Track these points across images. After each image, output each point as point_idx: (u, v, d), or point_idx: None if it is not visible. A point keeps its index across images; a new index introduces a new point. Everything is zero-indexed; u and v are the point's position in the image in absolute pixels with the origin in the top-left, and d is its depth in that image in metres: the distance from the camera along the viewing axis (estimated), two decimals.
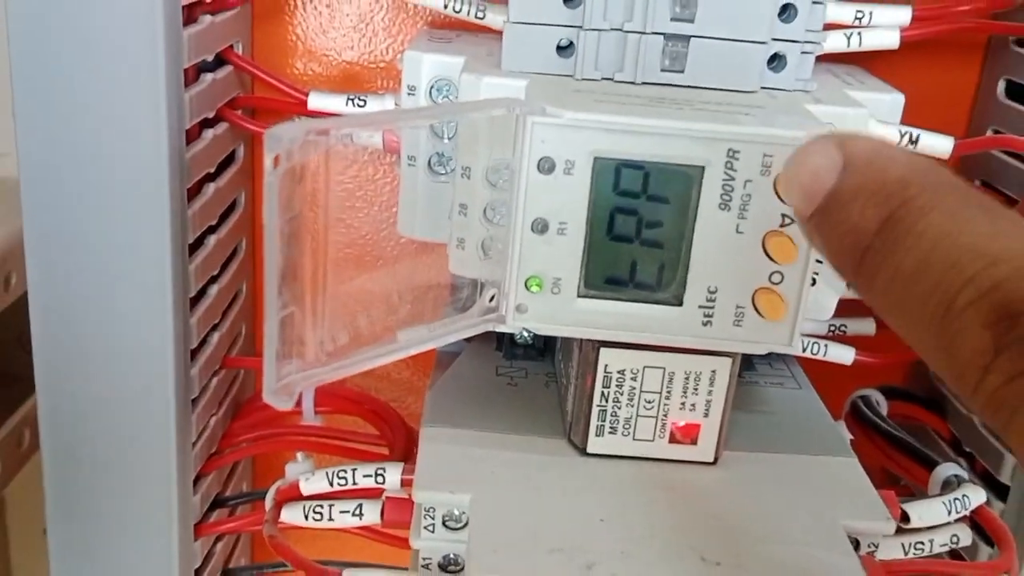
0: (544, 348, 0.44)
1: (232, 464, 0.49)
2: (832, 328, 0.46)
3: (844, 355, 0.44)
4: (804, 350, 0.43)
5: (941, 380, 0.48)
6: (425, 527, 0.34)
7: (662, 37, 0.36)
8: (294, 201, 0.28)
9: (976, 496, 0.37)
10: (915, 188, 0.22)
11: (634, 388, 0.36)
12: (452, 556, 0.35)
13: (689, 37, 0.36)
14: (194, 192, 0.40)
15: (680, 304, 0.34)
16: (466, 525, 0.34)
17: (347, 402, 0.48)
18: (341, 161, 0.29)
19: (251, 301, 0.49)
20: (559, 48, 0.36)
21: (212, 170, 0.42)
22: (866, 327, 0.46)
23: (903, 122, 0.38)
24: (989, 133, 0.44)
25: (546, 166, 0.33)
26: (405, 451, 0.44)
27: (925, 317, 0.21)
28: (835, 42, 0.39)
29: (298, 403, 0.48)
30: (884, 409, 0.46)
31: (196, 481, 0.43)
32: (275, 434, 0.47)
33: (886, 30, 0.40)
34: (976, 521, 0.38)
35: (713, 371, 0.36)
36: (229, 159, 0.44)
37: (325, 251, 0.30)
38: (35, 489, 0.57)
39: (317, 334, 0.30)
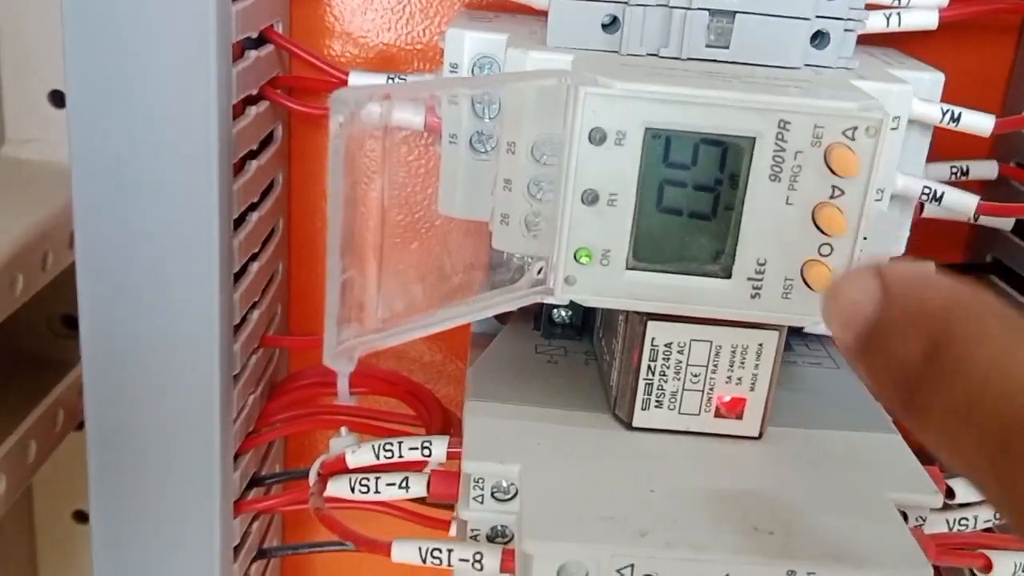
0: (582, 327, 0.44)
1: (267, 444, 0.49)
2: None
3: None
4: None
5: None
6: (474, 498, 0.35)
7: (707, 12, 0.36)
8: (357, 166, 0.28)
9: None
10: (959, 317, 0.21)
11: (681, 361, 0.36)
12: (500, 527, 0.35)
13: (734, 12, 0.36)
14: (238, 169, 0.40)
15: (728, 276, 0.34)
16: (514, 496, 0.34)
17: (383, 383, 0.49)
18: (399, 131, 0.30)
19: (287, 282, 0.50)
20: (604, 25, 0.36)
21: (255, 147, 0.42)
22: None
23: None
24: None
25: (597, 137, 0.33)
26: (442, 430, 0.45)
27: (982, 457, 0.20)
28: (875, 22, 0.39)
29: (333, 383, 0.48)
30: None
31: (236, 458, 0.43)
32: (310, 413, 0.47)
33: (925, 10, 0.40)
34: None
35: (760, 344, 0.36)
36: (268, 139, 0.45)
37: (384, 217, 0.30)
38: (63, 472, 0.57)
39: (375, 300, 0.30)
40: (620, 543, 0.31)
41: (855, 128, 0.32)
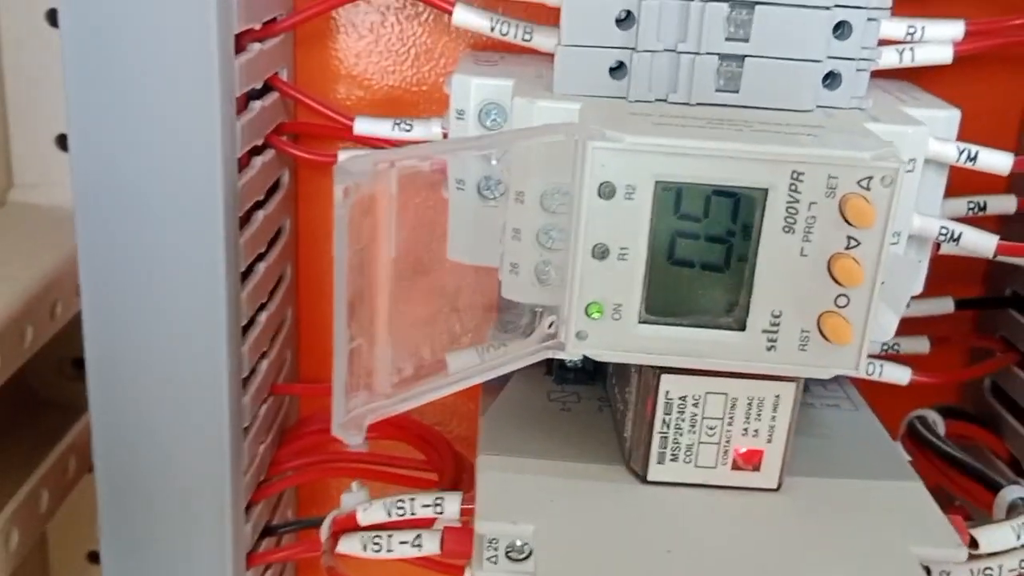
0: (595, 371, 0.43)
1: (280, 492, 0.48)
2: (885, 347, 0.45)
3: (900, 375, 0.43)
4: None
5: (996, 396, 0.47)
6: (488, 558, 0.34)
7: (717, 57, 0.35)
8: (363, 232, 0.28)
9: None
10: None
11: (696, 414, 0.35)
12: None
13: (744, 57, 0.35)
14: (244, 220, 0.40)
15: (743, 329, 0.33)
16: (528, 556, 0.34)
17: (392, 427, 0.48)
18: (408, 188, 0.29)
19: (295, 328, 0.49)
20: (611, 70, 0.36)
21: (261, 198, 0.41)
22: (920, 346, 0.46)
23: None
24: None
25: (607, 191, 0.32)
26: (454, 476, 0.44)
27: None
28: (888, 58, 0.38)
29: None
30: (941, 428, 0.45)
31: (247, 510, 0.42)
32: (321, 461, 0.47)
33: (939, 45, 0.39)
34: None
35: (777, 396, 0.35)
36: (274, 186, 0.44)
37: (392, 281, 0.29)
38: (77, 516, 0.57)
39: (384, 365, 0.30)
40: None
41: (870, 178, 0.31)
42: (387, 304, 0.29)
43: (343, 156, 0.40)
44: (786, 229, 0.32)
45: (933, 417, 0.45)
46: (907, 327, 0.46)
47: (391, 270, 0.29)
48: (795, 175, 0.32)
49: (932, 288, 0.44)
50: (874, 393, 0.44)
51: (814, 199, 0.32)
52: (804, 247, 0.32)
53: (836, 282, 0.32)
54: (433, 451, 0.46)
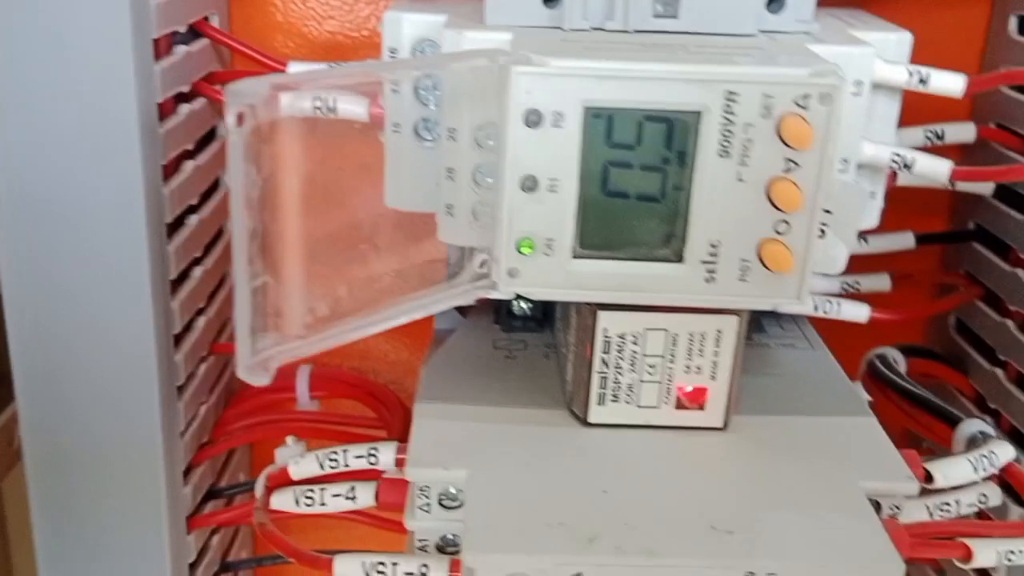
0: (543, 318, 0.42)
1: (227, 453, 0.47)
2: (845, 285, 0.44)
3: (859, 313, 0.42)
4: (816, 309, 0.41)
5: (962, 334, 0.46)
6: (420, 507, 0.33)
7: None
8: (263, 162, 0.26)
9: (1004, 452, 0.35)
10: None
11: (636, 352, 0.34)
12: (450, 537, 0.33)
13: None
14: (171, 170, 0.38)
15: (681, 260, 0.32)
16: (462, 504, 0.32)
17: (343, 385, 0.47)
18: (318, 118, 0.28)
19: None
20: None
21: (191, 147, 0.40)
22: (881, 283, 0.45)
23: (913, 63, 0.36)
24: (1007, 69, 0.42)
25: (533, 119, 0.31)
26: (403, 433, 0.43)
27: None
28: None
29: (293, 387, 0.47)
30: (903, 367, 0.44)
31: (187, 472, 0.41)
32: (270, 421, 0.46)
33: None
34: (1006, 479, 0.35)
35: (719, 331, 0.34)
36: (208, 138, 0.43)
37: (301, 216, 0.28)
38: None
39: (295, 305, 0.28)
40: (566, 551, 0.29)
41: (807, 96, 0.30)
42: (297, 240, 0.28)
43: None
44: (721, 153, 0.31)
45: (894, 355, 0.44)
46: (869, 264, 0.44)
47: (300, 205, 0.27)
48: (729, 95, 0.30)
49: (895, 223, 0.43)
50: (836, 333, 0.42)
51: (750, 120, 0.30)
52: (741, 172, 0.31)
53: (775, 207, 0.31)
54: (383, 407, 0.45)
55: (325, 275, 0.29)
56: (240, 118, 0.25)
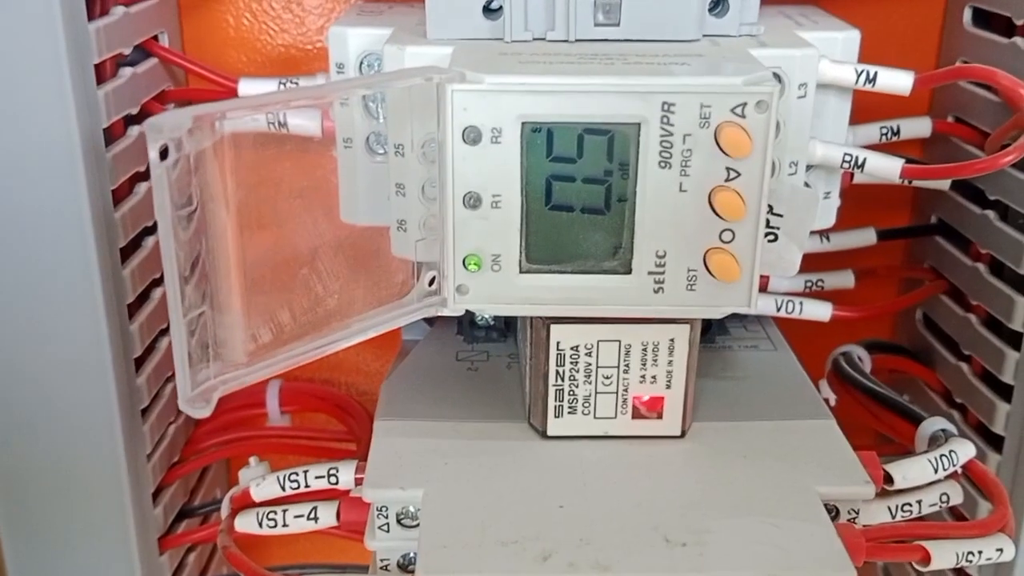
0: (506, 329, 0.42)
1: (200, 471, 0.47)
2: (808, 284, 0.44)
3: (821, 312, 0.42)
4: (778, 309, 0.42)
5: (929, 328, 0.46)
6: (380, 527, 0.33)
7: None
8: (191, 192, 0.26)
9: (964, 450, 0.35)
10: None
11: (590, 364, 0.34)
12: (411, 555, 0.33)
13: None
14: (124, 192, 0.38)
15: (629, 272, 0.32)
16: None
17: (312, 399, 0.47)
18: (247, 142, 0.27)
19: None
20: (487, 10, 0.34)
21: (143, 168, 0.40)
22: (845, 280, 0.44)
23: (867, 60, 0.36)
24: (958, 64, 0.42)
25: (471, 136, 0.31)
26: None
27: None
28: None
29: (263, 402, 0.47)
30: (867, 365, 0.43)
31: (157, 493, 0.41)
32: (241, 438, 0.46)
33: None
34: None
35: (671, 339, 0.34)
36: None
37: (235, 244, 0.28)
38: None
39: (236, 334, 0.28)
40: (520, 571, 0.29)
41: (744, 104, 0.30)
42: (233, 269, 0.27)
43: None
44: (662, 164, 0.31)
45: (858, 353, 0.43)
46: (832, 261, 0.44)
47: (234, 232, 0.27)
48: (666, 106, 0.30)
49: (856, 219, 0.43)
50: (805, 333, 0.42)
51: (688, 131, 0.30)
52: (683, 182, 0.31)
53: (719, 216, 0.31)
54: (352, 420, 0.45)
55: (266, 301, 0.29)
56: (164, 152, 0.25)
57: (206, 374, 0.28)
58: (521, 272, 0.32)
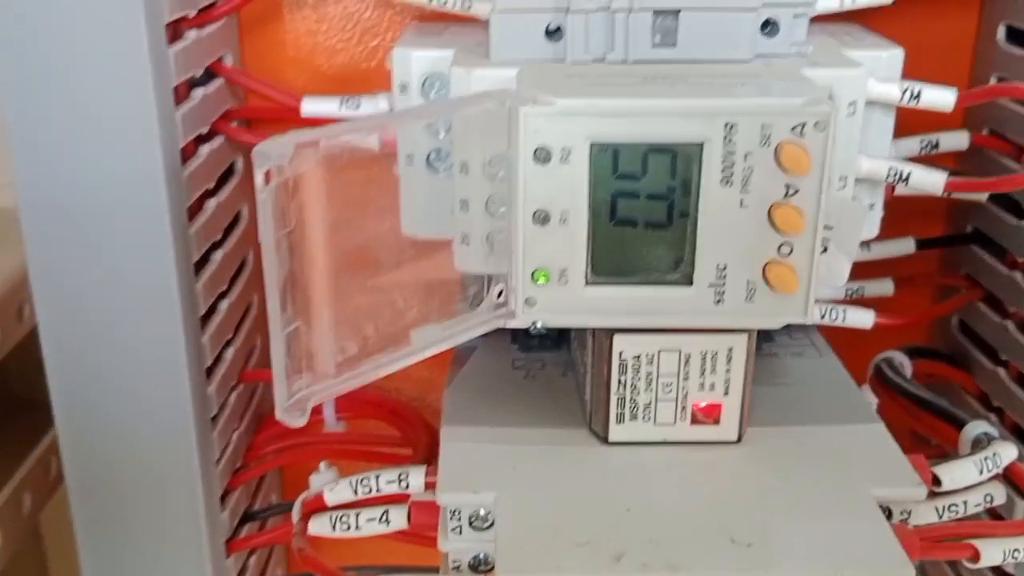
0: (559, 337, 0.43)
1: (259, 476, 0.49)
2: (849, 292, 0.45)
3: (863, 319, 0.43)
4: (822, 317, 0.43)
5: (965, 334, 0.47)
6: (452, 529, 0.34)
7: (651, 13, 0.35)
8: (290, 214, 0.28)
9: (1007, 453, 0.36)
10: None
11: (651, 372, 0.35)
12: (482, 556, 0.35)
13: (678, 11, 0.35)
14: (195, 209, 0.40)
15: (690, 284, 0.33)
16: (492, 524, 0.34)
17: (367, 405, 0.48)
18: (337, 165, 0.29)
19: (263, 313, 0.49)
20: (547, 33, 0.36)
21: (212, 186, 0.41)
22: (884, 288, 0.46)
23: (904, 76, 0.38)
24: (992, 81, 0.43)
25: (542, 156, 0.32)
26: (428, 450, 0.44)
27: None
28: (828, 2, 0.38)
29: (320, 410, 0.48)
30: (908, 370, 0.45)
31: (224, 498, 0.43)
32: (299, 444, 0.47)
33: None
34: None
35: (730, 349, 0.35)
36: (228, 172, 0.44)
37: (327, 261, 0.29)
38: (69, 515, 0.57)
39: (325, 346, 0.30)
40: (595, 570, 0.30)
41: (803, 124, 0.31)
42: (324, 285, 0.29)
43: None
44: (724, 182, 0.32)
45: (900, 359, 0.45)
46: (871, 270, 0.46)
47: (325, 251, 0.29)
48: (728, 127, 0.31)
49: (894, 228, 0.44)
50: (844, 338, 0.44)
51: (749, 149, 0.32)
52: (743, 198, 0.32)
53: (777, 231, 0.32)
54: (407, 426, 0.47)
55: (353, 316, 0.30)
56: (267, 177, 0.26)
57: (299, 385, 0.29)
58: (587, 284, 0.33)
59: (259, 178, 0.26)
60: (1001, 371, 0.44)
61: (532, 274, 0.33)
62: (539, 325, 0.43)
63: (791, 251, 0.33)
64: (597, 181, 0.32)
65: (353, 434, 0.48)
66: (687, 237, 0.33)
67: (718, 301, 0.33)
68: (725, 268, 0.33)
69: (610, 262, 0.33)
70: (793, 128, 0.31)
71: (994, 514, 0.42)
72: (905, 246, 0.46)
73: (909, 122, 0.40)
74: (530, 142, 0.32)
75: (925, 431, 0.41)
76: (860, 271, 0.45)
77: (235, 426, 0.44)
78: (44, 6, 0.33)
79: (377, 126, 0.30)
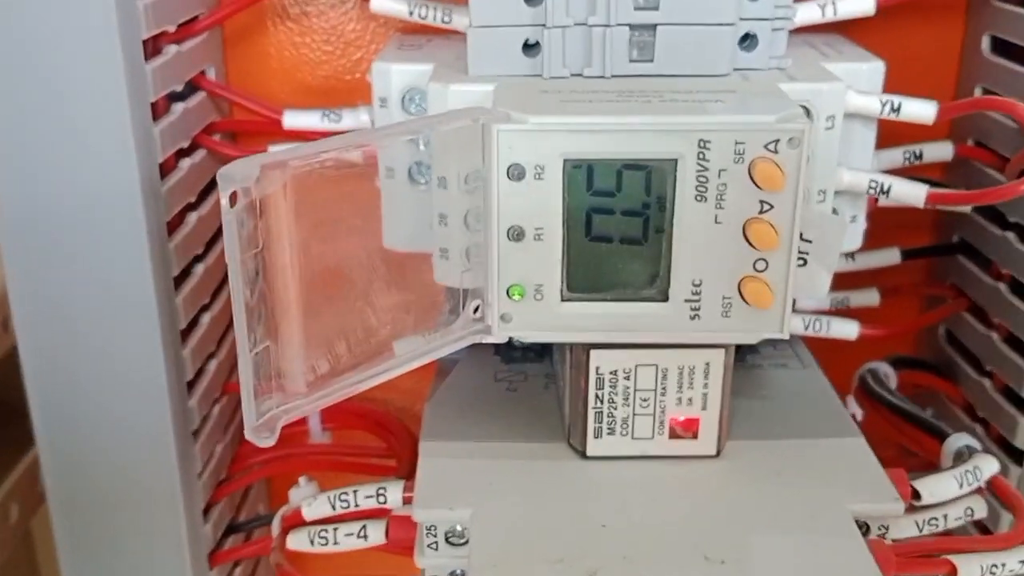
0: (542, 349, 0.43)
1: (244, 488, 0.49)
2: (835, 302, 0.45)
3: (848, 330, 0.43)
4: (806, 328, 0.43)
5: (952, 344, 0.47)
6: (428, 545, 0.34)
7: (628, 28, 0.35)
8: (257, 235, 0.28)
9: (988, 466, 0.36)
10: None
11: (628, 387, 0.35)
12: (459, 572, 0.35)
13: (655, 25, 0.35)
14: (176, 223, 0.40)
15: (666, 299, 0.33)
16: (468, 541, 0.34)
17: (353, 416, 0.48)
18: (308, 184, 0.29)
19: None
20: (526, 47, 0.36)
21: (193, 199, 0.41)
22: (870, 298, 0.46)
23: (887, 89, 0.37)
24: (977, 92, 0.43)
25: (516, 173, 0.32)
26: (412, 462, 0.44)
27: None
28: (809, 14, 0.38)
29: (305, 421, 0.48)
30: (893, 381, 0.45)
31: (207, 510, 0.43)
32: (284, 455, 0.47)
33: None
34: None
35: (707, 363, 0.35)
36: (211, 186, 0.44)
37: (296, 281, 0.29)
38: None
39: (296, 365, 0.30)
40: None
41: (776, 141, 0.31)
42: (294, 305, 0.29)
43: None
44: (698, 198, 0.32)
45: (885, 370, 0.45)
46: (856, 280, 0.46)
47: (294, 271, 0.29)
48: (702, 143, 0.31)
49: (880, 239, 0.44)
50: (832, 348, 0.44)
51: (723, 166, 0.32)
52: (718, 214, 0.32)
53: (752, 247, 0.32)
54: (392, 437, 0.47)
55: (324, 333, 0.30)
56: (233, 199, 0.26)
57: (269, 404, 0.29)
58: (563, 300, 0.33)
59: (224, 200, 0.26)
60: (986, 382, 0.44)
61: (508, 290, 0.33)
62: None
63: (767, 267, 0.32)
64: (571, 198, 0.32)
65: (338, 445, 0.48)
66: (662, 253, 0.33)
67: (694, 317, 0.33)
68: (701, 284, 0.33)
69: (585, 278, 0.33)
70: (766, 145, 0.31)
71: (981, 528, 0.42)
72: (891, 256, 0.45)
73: (893, 133, 0.40)
74: (504, 159, 0.32)
75: (908, 443, 0.41)
76: (845, 281, 0.45)
77: (218, 438, 0.44)
78: (21, 25, 0.33)
79: (349, 145, 0.30)
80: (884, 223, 0.42)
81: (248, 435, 0.29)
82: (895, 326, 0.45)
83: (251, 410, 0.28)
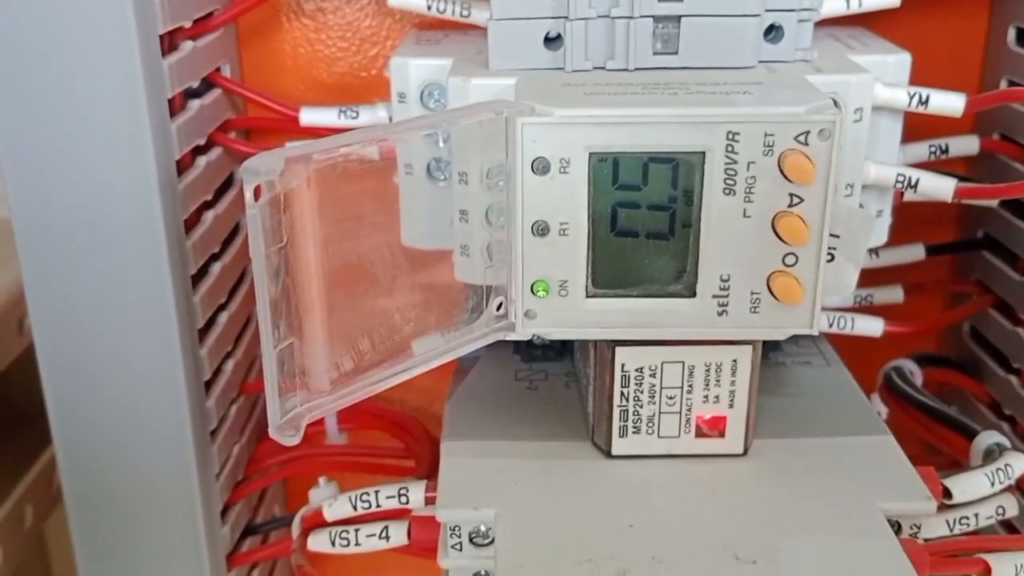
0: (563, 348, 0.43)
1: (262, 490, 0.48)
2: (859, 299, 0.45)
3: (872, 327, 0.42)
4: (830, 325, 0.42)
5: (977, 341, 0.47)
6: (452, 546, 0.34)
7: (651, 20, 0.34)
8: (281, 230, 0.27)
9: (1019, 464, 0.35)
10: None
11: (654, 385, 0.35)
12: (483, 573, 0.34)
13: (679, 17, 0.34)
14: (193, 221, 0.39)
15: (693, 295, 0.33)
16: (493, 541, 0.33)
17: (370, 417, 0.48)
18: (331, 179, 0.29)
19: None
20: (547, 40, 0.35)
21: (210, 197, 0.41)
22: (894, 295, 0.45)
23: (912, 81, 0.37)
24: (1003, 84, 0.43)
25: (541, 167, 0.31)
26: (431, 462, 0.44)
27: None
28: (834, 5, 0.37)
29: (322, 421, 0.48)
30: (918, 378, 0.44)
31: (224, 512, 0.42)
32: (301, 456, 0.47)
33: None
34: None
35: (734, 360, 0.34)
36: (227, 183, 0.44)
37: (321, 276, 0.29)
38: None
39: (320, 363, 0.29)
40: None
41: (807, 132, 0.31)
42: (318, 301, 0.29)
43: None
44: (727, 191, 0.31)
45: (910, 367, 0.44)
46: (880, 276, 0.45)
47: (317, 266, 0.28)
48: (730, 136, 0.31)
49: (904, 235, 0.44)
50: (855, 346, 0.43)
51: (752, 158, 0.31)
52: (747, 208, 0.32)
53: (782, 241, 0.32)
54: (410, 437, 0.46)
55: (348, 331, 0.30)
56: (257, 193, 0.26)
57: (293, 402, 0.29)
58: (588, 297, 0.33)
59: (248, 194, 0.26)
60: (1013, 379, 0.43)
61: (532, 286, 0.33)
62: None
63: (796, 261, 0.32)
64: (597, 192, 0.32)
65: (355, 446, 0.47)
66: (689, 248, 0.32)
67: (722, 313, 0.33)
68: (728, 279, 0.32)
69: (611, 274, 0.33)
70: (797, 137, 0.31)
71: (1009, 527, 0.41)
72: (915, 252, 0.45)
73: (918, 127, 0.39)
74: (528, 153, 0.31)
75: (936, 441, 0.40)
76: (869, 278, 0.44)
77: (236, 439, 0.44)
78: (36, 20, 0.33)
79: (371, 139, 0.30)
80: (908, 218, 0.42)
81: (272, 433, 0.28)
82: (919, 323, 0.44)
83: (275, 408, 0.28)
